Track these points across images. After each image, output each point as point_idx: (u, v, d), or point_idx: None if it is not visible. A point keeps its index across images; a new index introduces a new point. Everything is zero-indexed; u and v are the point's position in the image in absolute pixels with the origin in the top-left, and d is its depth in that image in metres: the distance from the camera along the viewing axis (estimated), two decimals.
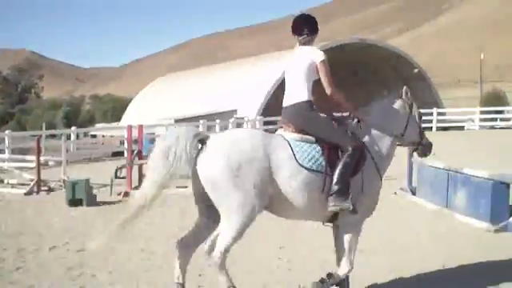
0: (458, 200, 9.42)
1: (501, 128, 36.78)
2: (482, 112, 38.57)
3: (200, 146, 5.16)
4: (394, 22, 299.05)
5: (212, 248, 5.05)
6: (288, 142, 5.28)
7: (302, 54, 5.70)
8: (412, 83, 45.13)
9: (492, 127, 37.04)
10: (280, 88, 37.92)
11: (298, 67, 5.63)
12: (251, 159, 5.01)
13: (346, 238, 5.47)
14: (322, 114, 5.57)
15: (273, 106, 38.10)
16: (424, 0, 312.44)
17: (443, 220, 9.23)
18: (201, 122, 29.56)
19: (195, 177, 5.12)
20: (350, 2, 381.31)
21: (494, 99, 50.22)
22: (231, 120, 31.09)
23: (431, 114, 36.27)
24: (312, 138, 5.35)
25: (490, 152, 18.66)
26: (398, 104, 6.00)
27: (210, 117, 32.29)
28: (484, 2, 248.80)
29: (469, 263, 6.92)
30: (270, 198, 5.12)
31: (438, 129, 35.86)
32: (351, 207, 5.23)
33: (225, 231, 4.99)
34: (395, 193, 11.77)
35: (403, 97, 6.01)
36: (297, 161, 5.16)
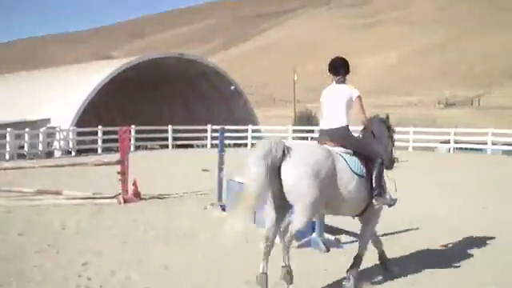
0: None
1: None
2: (295, 131, 40.37)
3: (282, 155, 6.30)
4: (213, 39, 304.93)
5: (286, 231, 6.40)
6: (340, 154, 6.79)
7: (341, 90, 7.29)
8: (230, 100, 46.27)
9: None
10: (98, 99, 37.40)
11: (338, 100, 7.21)
12: (324, 168, 6.39)
13: (371, 226, 7.27)
14: (355, 134, 7.35)
15: (91, 116, 37.29)
16: (245, 20, 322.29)
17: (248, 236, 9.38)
18: (8, 129, 28.02)
19: (275, 181, 6.28)
20: (169, 18, 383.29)
21: (306, 119, 52.79)
22: (42, 129, 29.80)
23: (247, 130, 37.26)
24: (351, 151, 6.95)
25: None
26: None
27: (18, 125, 30.63)
28: (298, 27, 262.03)
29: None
30: (329, 197, 6.53)
31: (253, 145, 36.88)
32: (392, 202, 7.15)
33: (298, 221, 6.32)
34: (206, 207, 11.88)
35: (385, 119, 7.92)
36: (351, 169, 6.72)
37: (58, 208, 11.92)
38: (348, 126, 7.18)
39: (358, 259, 7.10)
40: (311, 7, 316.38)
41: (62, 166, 15.68)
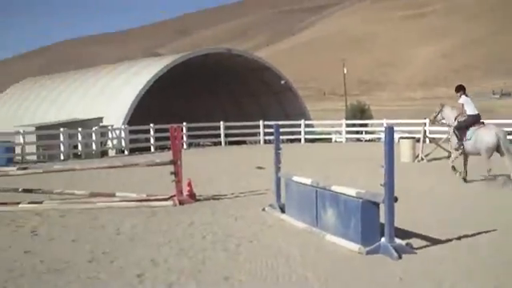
0: (328, 219, 9.08)
1: (366, 140, 37.80)
2: (348, 125, 39.40)
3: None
4: (258, 34, 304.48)
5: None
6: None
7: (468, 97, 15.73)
8: (280, 95, 45.66)
9: (358, 139, 37.96)
10: (148, 96, 37.32)
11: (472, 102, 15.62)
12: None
13: None
14: None
15: (139, 115, 37.19)
16: (287, 15, 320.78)
17: (312, 240, 8.82)
18: (61, 129, 28.02)
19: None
20: (211, 14, 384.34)
21: (359, 112, 51.83)
22: (94, 128, 29.72)
23: (299, 125, 36.55)
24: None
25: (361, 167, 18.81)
26: None
27: (71, 124, 30.69)
28: (344, 20, 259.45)
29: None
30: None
31: (306, 140, 36.24)
32: None
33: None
34: (264, 209, 11.32)
35: None
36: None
37: (111, 211, 11.56)
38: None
39: None
40: (356, 0, 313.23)
41: (114, 167, 15.34)
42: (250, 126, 36.20)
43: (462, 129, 15.20)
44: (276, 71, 45.13)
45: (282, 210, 10.92)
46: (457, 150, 15.51)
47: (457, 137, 15.36)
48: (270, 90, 46.09)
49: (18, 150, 27.44)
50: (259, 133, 35.77)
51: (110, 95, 38.02)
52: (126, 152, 30.31)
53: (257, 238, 8.97)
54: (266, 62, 45.92)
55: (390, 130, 8.15)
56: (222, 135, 34.29)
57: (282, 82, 44.16)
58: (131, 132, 31.73)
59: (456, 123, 15.51)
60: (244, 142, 36.27)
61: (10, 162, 24.98)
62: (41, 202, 12.51)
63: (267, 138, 34.73)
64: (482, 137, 14.78)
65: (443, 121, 16.42)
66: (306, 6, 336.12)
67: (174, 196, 12.17)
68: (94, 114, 35.44)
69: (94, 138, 29.31)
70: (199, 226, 9.91)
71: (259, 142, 35.50)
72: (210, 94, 49.83)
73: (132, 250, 8.37)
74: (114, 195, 12.78)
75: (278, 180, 11.42)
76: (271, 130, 34.28)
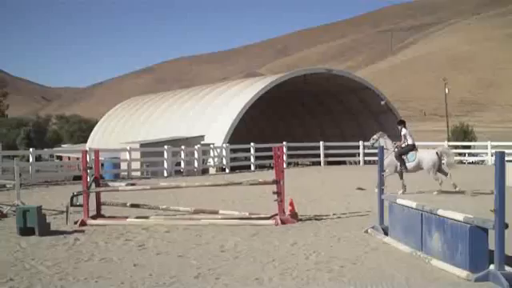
0: (433, 243, 8.89)
1: (469, 163, 36.66)
2: (450, 146, 38.34)
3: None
4: (358, 54, 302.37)
5: None
6: None
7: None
8: (380, 115, 45.14)
9: (461, 162, 36.85)
10: (247, 116, 37.83)
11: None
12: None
13: None
14: None
15: (239, 134, 37.76)
16: (387, 34, 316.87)
17: (417, 265, 8.66)
18: (165, 147, 28.83)
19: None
20: (311, 34, 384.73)
21: (462, 133, 50.44)
22: (197, 146, 30.39)
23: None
24: None
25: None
26: None
27: (175, 142, 31.57)
28: (446, 39, 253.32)
29: None
30: None
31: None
32: None
33: None
34: (367, 231, 11.22)
35: None
36: None
37: (215, 228, 11.78)
38: None
39: None
40: (459, 18, 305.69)
41: (218, 185, 15.64)
42: (349, 147, 35.95)
43: (402, 154, 18.68)
44: (376, 91, 44.71)
45: (386, 233, 10.78)
46: (392, 169, 18.72)
47: (399, 160, 18.66)
48: (369, 110, 45.71)
49: (123, 165, 28.43)
50: (359, 153, 35.44)
51: (210, 114, 38.84)
52: (227, 170, 30.78)
53: (360, 261, 8.90)
54: (365, 82, 45.62)
55: (500, 156, 7.91)
56: (322, 155, 34.22)
57: (382, 102, 43.66)
58: (232, 150, 32.23)
59: (397, 150, 18.87)
60: (343, 163, 36.04)
61: (116, 177, 25.95)
62: (147, 217, 12.92)
63: (367, 158, 34.36)
64: (424, 157, 18.42)
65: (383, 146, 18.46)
66: (407, 25, 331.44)
67: (277, 215, 12.26)
68: (195, 132, 36.32)
69: (196, 155, 29.95)
70: (302, 246, 9.93)
71: (359, 162, 35.17)
72: (308, 114, 49.96)
73: (236, 268, 8.49)
74: (217, 212, 13.01)
75: (382, 202, 11.29)
76: (371, 151, 34.06)
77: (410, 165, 18.57)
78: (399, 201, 10.39)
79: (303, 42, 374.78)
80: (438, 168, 18.36)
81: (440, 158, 18.50)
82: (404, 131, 19.04)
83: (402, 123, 19.57)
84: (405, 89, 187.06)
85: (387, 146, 18.95)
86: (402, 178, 18.72)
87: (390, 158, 18.67)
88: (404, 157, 18.60)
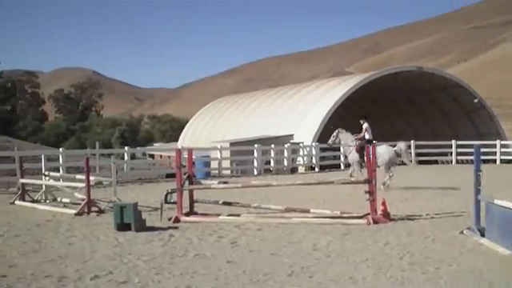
0: None
1: None
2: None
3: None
4: (449, 51, 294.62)
5: None
6: None
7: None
8: (472, 113, 43.82)
9: None
10: (335, 115, 37.60)
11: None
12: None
13: None
14: None
15: (328, 132, 37.58)
16: (479, 31, 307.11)
17: None
18: (255, 146, 29.07)
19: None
20: (400, 32, 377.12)
21: None
22: (286, 145, 30.45)
23: (494, 145, 34.80)
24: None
25: None
26: None
27: (264, 141, 31.80)
28: None
29: None
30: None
31: (502, 161, 34.40)
32: None
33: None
34: (462, 232, 10.93)
35: None
36: None
37: (306, 227, 11.79)
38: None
39: None
40: None
41: (309, 184, 15.64)
42: (441, 146, 35.11)
43: (362, 147, 18.92)
44: (468, 89, 43.40)
45: (482, 234, 10.48)
46: (359, 164, 19.67)
47: (359, 154, 19.40)
48: (461, 108, 44.44)
49: (213, 164, 28.88)
50: (451, 152, 34.56)
51: (299, 113, 38.85)
52: (317, 169, 30.70)
53: (456, 262, 8.68)
54: (457, 79, 44.32)
55: None
56: (413, 154, 33.58)
57: (475, 100, 42.34)
58: (321, 149, 32.13)
59: (357, 143, 19.75)
60: (435, 162, 35.24)
61: (207, 175, 26.39)
62: (239, 215, 13.07)
63: (460, 157, 33.47)
64: (382, 153, 19.02)
65: (342, 142, 20.49)
66: (500, 21, 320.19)
67: (369, 214, 12.14)
68: (284, 131, 36.42)
69: (285, 154, 30.03)
70: (395, 247, 9.79)
71: (451, 161, 34.28)
72: (398, 113, 49.12)
73: (329, 267, 8.47)
74: (308, 211, 13.02)
75: (478, 202, 10.97)
76: (464, 150, 33.14)
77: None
78: (497, 201, 10.07)
79: (392, 40, 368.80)
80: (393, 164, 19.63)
81: (399, 155, 19.73)
82: (366, 125, 20.08)
83: (365, 117, 20.52)
84: (498, 87, 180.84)
85: (347, 141, 20.10)
86: (358, 167, 19.78)
87: (352, 154, 19.85)
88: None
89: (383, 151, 19.28)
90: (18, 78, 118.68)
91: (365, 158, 18.00)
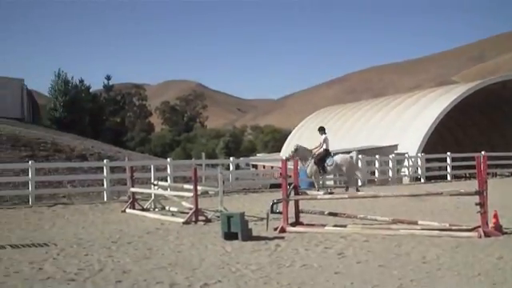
0: None
1: None
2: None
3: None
4: None
5: None
6: None
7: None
8: None
9: None
10: (441, 123, 36.68)
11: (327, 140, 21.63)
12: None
13: None
14: None
15: (432, 143, 36.70)
16: None
17: None
18: (359, 156, 28.82)
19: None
20: (509, 39, 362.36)
21: None
22: (391, 156, 29.97)
23: None
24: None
25: None
26: None
27: (368, 151, 31.49)
28: None
29: None
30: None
31: None
32: None
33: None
34: None
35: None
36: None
37: (414, 238, 11.55)
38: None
39: None
40: None
41: (418, 195, 15.33)
42: None
43: (321, 159, 20.84)
44: None
45: None
46: (316, 174, 21.24)
47: (318, 165, 20.79)
48: None
49: None
50: None
51: (403, 123, 38.28)
52: (422, 180, 30.02)
53: None
54: None
55: None
56: None
57: None
58: (427, 160, 31.42)
59: (316, 155, 20.96)
60: None
61: (310, 186, 26.38)
62: (345, 226, 12.98)
63: None
64: (338, 161, 21.13)
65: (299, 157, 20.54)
66: None
67: (479, 227, 11.74)
68: (387, 141, 35.94)
69: (390, 165, 29.57)
70: (509, 261, 9.37)
71: None
72: (508, 123, 47.27)
73: (440, 280, 8.26)
74: (416, 223, 12.75)
75: None
76: None
77: (329, 168, 21.20)
78: None
79: (500, 47, 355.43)
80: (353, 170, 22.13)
81: (356, 162, 22.68)
82: (323, 137, 21.33)
83: (322, 129, 22.00)
84: None
85: (306, 155, 21.06)
86: (318, 179, 21.76)
87: (311, 166, 20.96)
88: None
89: (339, 160, 21.35)
90: (127, 91, 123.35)
91: (326, 168, 21.09)
